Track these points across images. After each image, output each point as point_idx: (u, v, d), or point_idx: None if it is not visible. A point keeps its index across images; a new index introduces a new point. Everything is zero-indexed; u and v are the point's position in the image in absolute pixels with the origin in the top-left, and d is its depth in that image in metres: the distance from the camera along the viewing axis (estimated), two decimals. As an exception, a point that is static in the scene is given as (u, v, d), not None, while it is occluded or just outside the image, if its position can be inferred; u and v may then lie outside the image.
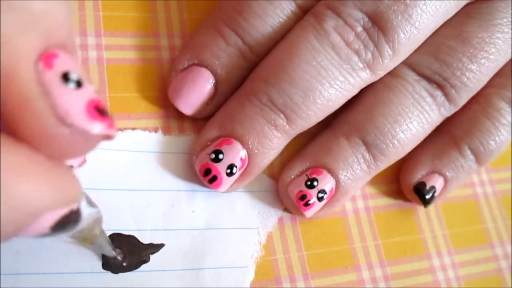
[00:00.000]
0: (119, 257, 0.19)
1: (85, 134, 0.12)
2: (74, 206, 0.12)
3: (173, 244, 0.21)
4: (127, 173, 0.21)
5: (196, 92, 0.21)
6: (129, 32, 0.23)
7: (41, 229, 0.12)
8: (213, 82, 0.21)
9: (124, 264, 0.19)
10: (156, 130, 0.22)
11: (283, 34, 0.21)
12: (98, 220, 0.16)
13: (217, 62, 0.21)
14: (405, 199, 0.25)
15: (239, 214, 0.22)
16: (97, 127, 0.12)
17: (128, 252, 0.20)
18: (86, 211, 0.14)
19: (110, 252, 0.19)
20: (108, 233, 0.20)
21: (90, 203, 0.15)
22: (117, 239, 0.20)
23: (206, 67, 0.21)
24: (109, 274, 0.19)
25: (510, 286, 0.26)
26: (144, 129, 0.22)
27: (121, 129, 0.21)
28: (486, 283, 0.26)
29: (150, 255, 0.20)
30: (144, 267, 0.20)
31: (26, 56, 0.11)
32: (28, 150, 0.11)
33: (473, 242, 0.26)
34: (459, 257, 0.25)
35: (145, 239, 0.20)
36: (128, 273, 0.20)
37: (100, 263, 0.19)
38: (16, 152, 0.11)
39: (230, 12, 0.21)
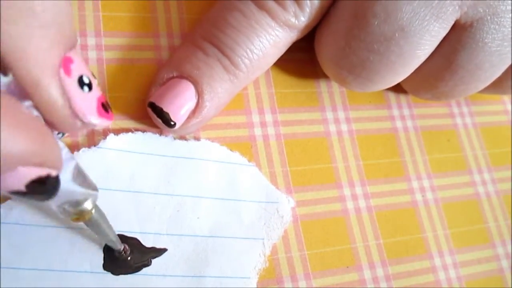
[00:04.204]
0: (123, 252, 0.19)
1: (93, 126, 0.15)
2: (52, 173, 0.13)
3: (175, 250, 0.21)
4: (134, 175, 0.21)
5: (176, 103, 0.21)
6: (129, 32, 0.23)
7: (16, 184, 0.13)
8: (194, 92, 0.21)
9: (129, 259, 0.20)
10: (166, 134, 0.22)
11: (259, 44, 0.21)
12: (89, 198, 0.16)
13: (197, 72, 0.21)
14: (407, 198, 0.25)
15: (244, 223, 0.22)
16: (104, 123, 0.15)
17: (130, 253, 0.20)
18: (72, 187, 0.15)
19: (112, 241, 0.19)
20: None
21: (83, 182, 0.16)
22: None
23: (187, 78, 0.21)
24: (109, 275, 0.19)
25: (511, 286, 0.26)
26: (145, 130, 0.22)
27: (131, 130, 0.21)
28: (487, 283, 0.25)
29: (152, 259, 0.20)
30: (145, 270, 0.20)
31: (50, 67, 0.13)
32: (18, 105, 0.13)
33: (474, 242, 0.26)
34: (460, 257, 0.25)
35: (148, 242, 0.20)
36: (129, 275, 0.20)
37: (101, 263, 0.19)
38: (5, 104, 0.12)
39: (207, 27, 0.22)
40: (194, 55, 0.21)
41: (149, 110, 0.21)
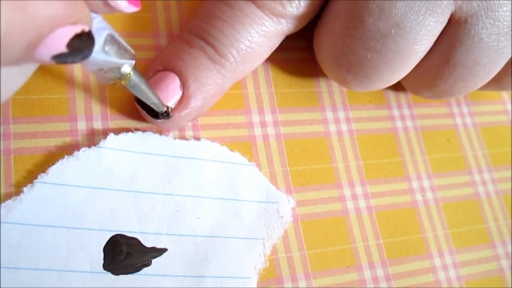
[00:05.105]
0: (165, 109, 0.20)
1: (119, 10, 0.16)
2: (85, 28, 0.14)
3: (176, 250, 0.21)
4: (134, 175, 0.21)
5: (162, 96, 0.20)
6: (129, 32, 0.23)
7: (57, 45, 0.14)
8: (179, 83, 0.21)
9: (170, 115, 0.21)
10: (167, 133, 0.22)
11: (246, 34, 0.21)
12: (126, 58, 0.17)
13: (181, 63, 0.21)
14: (407, 198, 0.25)
15: (245, 224, 0.22)
16: (130, 8, 0.16)
17: (130, 254, 0.20)
18: (105, 52, 0.16)
19: (155, 104, 0.20)
20: (111, 234, 0.20)
21: (118, 49, 0.17)
22: (120, 240, 0.20)
23: (171, 70, 0.21)
24: (109, 275, 0.19)
25: (511, 286, 0.26)
26: (145, 130, 0.22)
27: (131, 130, 0.21)
28: (487, 283, 0.26)
29: (152, 259, 0.20)
30: (145, 270, 0.20)
31: None
32: None
33: (474, 242, 0.26)
34: (460, 257, 0.25)
35: (148, 242, 0.20)
36: (128, 275, 0.20)
37: (101, 263, 0.19)
38: None
39: (193, 21, 0.22)
40: (179, 48, 0.21)
41: (137, 105, 0.21)
